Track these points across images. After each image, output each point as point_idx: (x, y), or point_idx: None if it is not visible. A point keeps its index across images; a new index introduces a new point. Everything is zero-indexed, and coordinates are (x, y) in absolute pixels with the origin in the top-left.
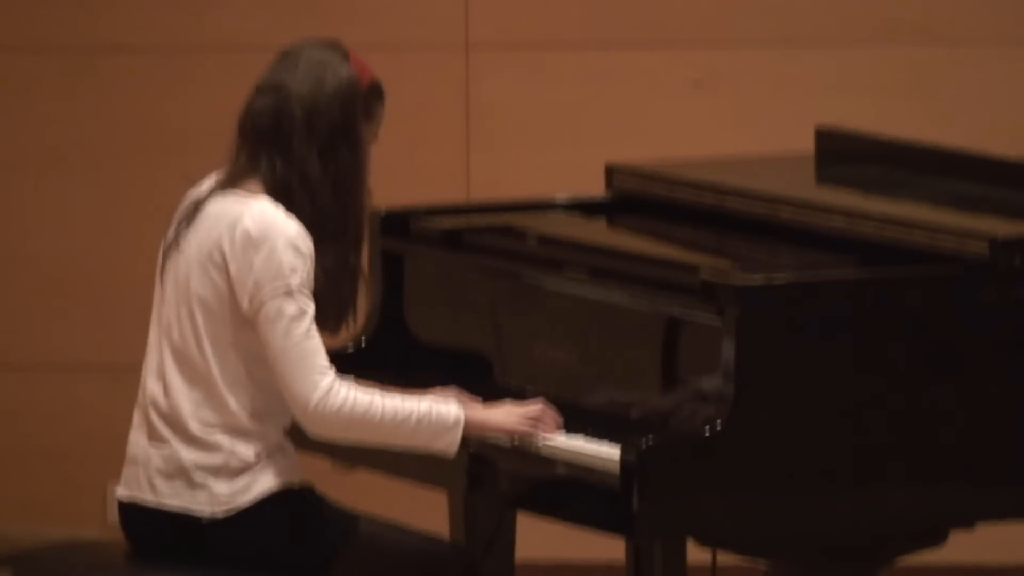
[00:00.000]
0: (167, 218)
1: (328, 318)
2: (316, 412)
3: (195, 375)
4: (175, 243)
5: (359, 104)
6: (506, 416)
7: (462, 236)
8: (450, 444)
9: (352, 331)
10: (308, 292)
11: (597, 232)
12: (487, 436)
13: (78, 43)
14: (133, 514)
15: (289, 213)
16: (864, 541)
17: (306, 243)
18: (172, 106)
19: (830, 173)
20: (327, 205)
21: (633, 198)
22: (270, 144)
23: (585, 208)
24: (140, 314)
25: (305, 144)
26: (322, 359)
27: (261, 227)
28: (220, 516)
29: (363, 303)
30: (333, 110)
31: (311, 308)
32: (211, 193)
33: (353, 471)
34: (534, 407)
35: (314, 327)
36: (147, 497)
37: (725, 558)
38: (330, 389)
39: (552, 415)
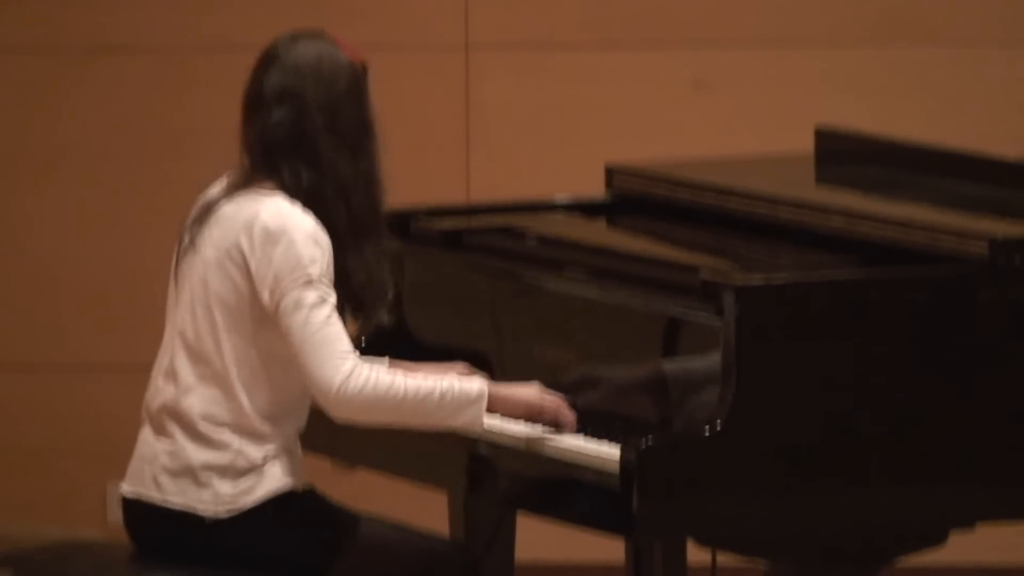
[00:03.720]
0: (167, 218)
1: (377, 309)
2: (339, 396)
3: (210, 374)
4: (191, 245)
5: (366, 91)
6: (529, 392)
7: (462, 237)
8: (475, 418)
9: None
10: (328, 282)
11: (597, 232)
12: (491, 437)
13: (78, 43)
14: (136, 510)
15: (306, 210)
16: (864, 541)
17: (324, 237)
18: (172, 106)
19: (830, 173)
20: (361, 203)
21: (633, 198)
22: (292, 155)
23: (585, 208)
24: (140, 314)
25: (332, 148)
26: (343, 344)
27: (279, 222)
28: (223, 516)
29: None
30: (350, 106)
31: (332, 297)
32: (224, 195)
33: (353, 471)
34: (555, 397)
35: (335, 315)
36: (152, 494)
37: (725, 558)
38: (352, 372)
39: (569, 412)
